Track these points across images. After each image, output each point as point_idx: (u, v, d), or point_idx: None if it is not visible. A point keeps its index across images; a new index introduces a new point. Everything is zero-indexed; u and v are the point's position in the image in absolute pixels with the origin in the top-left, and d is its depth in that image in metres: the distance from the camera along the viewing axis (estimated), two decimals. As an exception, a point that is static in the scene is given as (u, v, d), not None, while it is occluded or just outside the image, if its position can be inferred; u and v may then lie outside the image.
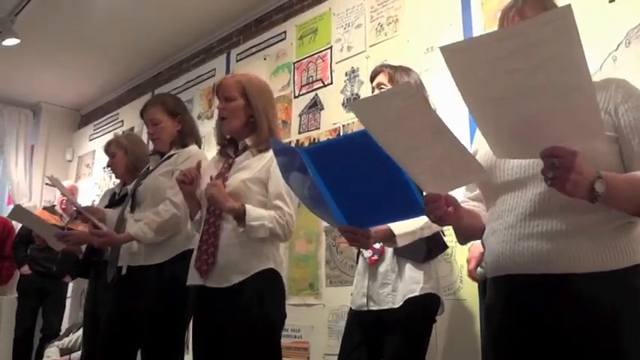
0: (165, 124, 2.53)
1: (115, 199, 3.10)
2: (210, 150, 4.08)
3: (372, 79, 2.22)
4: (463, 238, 1.51)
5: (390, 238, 1.81)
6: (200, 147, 2.60)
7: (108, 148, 3.14)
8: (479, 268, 2.23)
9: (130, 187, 2.74)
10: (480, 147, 1.40)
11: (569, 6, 0.93)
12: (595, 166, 1.11)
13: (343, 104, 3.41)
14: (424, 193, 1.32)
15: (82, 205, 2.69)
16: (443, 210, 1.29)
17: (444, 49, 1.05)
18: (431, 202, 1.29)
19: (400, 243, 1.83)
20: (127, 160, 3.06)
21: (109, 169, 3.19)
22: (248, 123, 2.11)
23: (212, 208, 2.05)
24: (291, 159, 1.50)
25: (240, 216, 1.94)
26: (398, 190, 1.33)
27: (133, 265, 2.39)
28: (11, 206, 6.04)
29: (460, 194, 1.46)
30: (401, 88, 1.13)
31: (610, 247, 1.20)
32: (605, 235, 1.21)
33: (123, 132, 5.36)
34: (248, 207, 1.95)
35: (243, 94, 2.10)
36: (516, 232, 1.27)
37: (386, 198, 1.38)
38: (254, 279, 1.97)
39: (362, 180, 1.37)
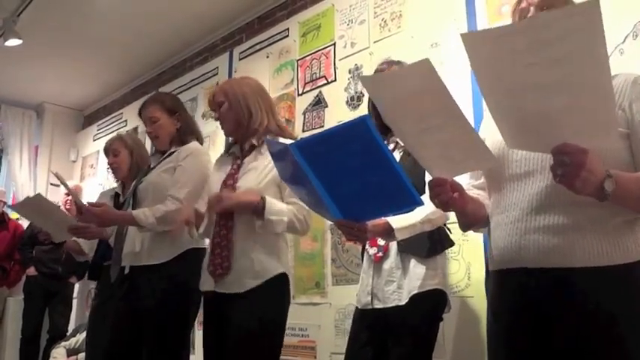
0: (163, 121, 2.52)
1: (119, 202, 3.02)
2: (214, 149, 4.07)
3: None
4: (465, 225, 1.50)
5: (388, 232, 1.78)
6: (201, 144, 2.58)
7: (110, 145, 3.04)
8: None
9: (131, 186, 2.69)
10: (486, 136, 1.38)
11: (596, 0, 0.90)
12: (605, 162, 1.11)
13: (347, 102, 3.39)
14: (429, 179, 1.30)
15: (83, 202, 2.65)
16: (449, 195, 1.28)
17: (465, 37, 1.03)
18: (436, 186, 1.28)
19: (399, 237, 1.79)
20: (132, 161, 3.01)
21: (110, 167, 3.09)
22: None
23: None
24: (286, 158, 1.48)
25: (258, 210, 1.91)
26: (391, 182, 1.32)
27: (135, 265, 2.37)
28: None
29: (464, 182, 1.44)
30: (419, 64, 1.10)
31: (616, 241, 1.20)
32: (612, 230, 1.21)
33: (124, 132, 5.34)
34: (268, 200, 1.92)
35: None
36: (522, 226, 1.27)
37: (380, 190, 1.36)
38: (268, 284, 1.95)
39: (355, 173, 1.35)
